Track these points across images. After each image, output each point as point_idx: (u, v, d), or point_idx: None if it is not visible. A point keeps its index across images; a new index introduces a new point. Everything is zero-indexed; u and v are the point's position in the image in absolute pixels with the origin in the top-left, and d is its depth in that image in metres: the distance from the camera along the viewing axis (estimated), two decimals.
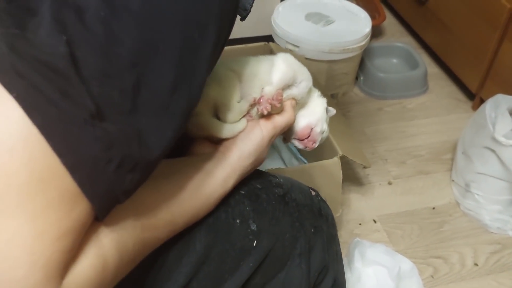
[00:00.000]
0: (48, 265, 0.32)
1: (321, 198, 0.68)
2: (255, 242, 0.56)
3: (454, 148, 1.41)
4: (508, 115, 1.16)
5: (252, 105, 0.59)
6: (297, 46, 1.44)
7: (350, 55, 1.45)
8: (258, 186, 0.61)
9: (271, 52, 1.32)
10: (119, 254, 0.39)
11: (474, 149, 1.21)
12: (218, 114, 0.59)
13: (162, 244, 0.48)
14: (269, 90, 0.59)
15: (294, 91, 0.62)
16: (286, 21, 1.48)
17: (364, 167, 1.35)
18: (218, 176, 0.53)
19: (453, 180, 1.32)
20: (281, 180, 0.65)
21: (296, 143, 0.66)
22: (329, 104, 0.70)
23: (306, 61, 1.46)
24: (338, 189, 1.08)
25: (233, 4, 0.45)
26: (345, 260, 1.08)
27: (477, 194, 1.23)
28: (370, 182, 1.33)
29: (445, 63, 1.68)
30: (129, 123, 0.36)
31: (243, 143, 0.56)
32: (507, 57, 1.38)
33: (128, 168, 0.36)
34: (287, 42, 1.45)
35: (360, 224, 1.22)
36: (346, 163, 1.34)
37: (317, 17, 1.53)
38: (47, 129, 0.32)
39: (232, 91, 0.58)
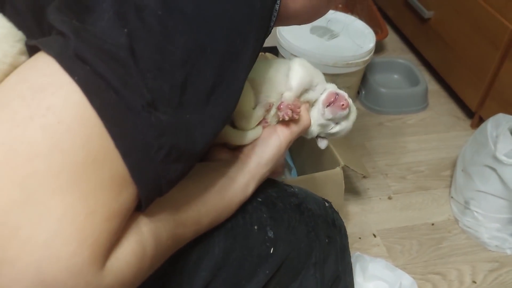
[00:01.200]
0: (96, 244, 0.33)
1: (334, 210, 0.69)
2: (272, 249, 0.56)
3: (453, 165, 1.42)
4: (509, 134, 1.17)
5: (268, 111, 0.59)
6: None
7: (354, 69, 1.46)
8: (274, 194, 0.61)
9: None
10: (156, 245, 0.40)
11: (475, 167, 1.22)
12: (233, 121, 0.59)
13: (182, 247, 0.48)
14: (289, 95, 0.59)
15: (311, 95, 0.63)
16: (291, 33, 1.50)
17: (364, 177, 1.36)
18: (239, 182, 0.54)
19: (452, 197, 1.33)
20: (296, 189, 0.65)
21: (328, 113, 0.64)
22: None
23: None
24: (341, 199, 1.08)
25: (267, 21, 0.47)
26: None
27: (476, 212, 1.23)
28: (370, 196, 1.34)
29: (446, 81, 1.70)
30: (177, 116, 0.38)
31: (262, 150, 0.57)
32: (508, 76, 1.40)
33: (174, 158, 0.37)
34: (291, 54, 1.46)
35: (359, 238, 1.23)
36: (346, 177, 1.35)
37: (322, 31, 1.54)
38: (105, 112, 0.34)
39: (245, 98, 0.58)
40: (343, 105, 0.64)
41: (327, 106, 0.64)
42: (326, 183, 1.03)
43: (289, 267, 0.58)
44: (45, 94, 0.33)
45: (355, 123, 1.64)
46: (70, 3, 0.38)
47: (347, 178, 1.36)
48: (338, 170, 1.04)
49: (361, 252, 1.11)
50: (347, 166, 1.06)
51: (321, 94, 0.66)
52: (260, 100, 0.59)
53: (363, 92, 1.65)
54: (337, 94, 0.65)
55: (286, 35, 1.48)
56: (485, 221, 1.22)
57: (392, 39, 1.97)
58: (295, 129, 0.60)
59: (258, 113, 0.58)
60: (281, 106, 0.58)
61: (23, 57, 0.40)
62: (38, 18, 0.42)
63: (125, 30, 0.36)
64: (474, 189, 1.22)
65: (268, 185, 0.61)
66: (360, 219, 1.27)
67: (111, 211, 0.34)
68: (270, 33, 0.53)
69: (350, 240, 1.20)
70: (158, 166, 0.36)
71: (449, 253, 1.21)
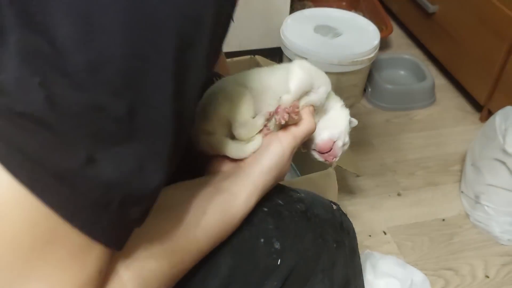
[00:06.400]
0: None
1: (342, 212, 0.67)
2: (279, 260, 0.54)
3: (462, 160, 1.41)
4: None
5: (269, 119, 0.57)
6: (306, 58, 1.44)
7: (359, 67, 1.46)
8: (280, 202, 0.59)
9: (258, 66, 1.32)
10: (145, 286, 0.38)
11: (484, 161, 1.21)
12: (233, 132, 0.57)
13: None
14: (287, 98, 0.57)
15: (313, 97, 0.60)
16: (295, 33, 1.50)
17: (357, 176, 1.35)
18: (241, 195, 0.52)
19: (462, 192, 1.32)
20: (303, 194, 0.63)
21: (316, 155, 0.63)
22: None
23: None
24: (335, 199, 1.07)
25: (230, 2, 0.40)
26: None
27: (487, 206, 1.22)
28: (379, 193, 1.33)
29: (453, 75, 1.69)
30: (126, 154, 0.33)
31: (264, 158, 0.54)
32: None
33: (130, 203, 0.34)
34: (295, 54, 1.46)
35: (370, 236, 1.22)
36: (354, 175, 1.35)
37: (326, 30, 1.54)
38: (36, 186, 0.30)
39: (244, 107, 0.56)
40: (333, 158, 0.62)
41: (319, 152, 0.62)
42: (320, 184, 1.02)
43: (298, 276, 0.56)
44: None
45: (363, 120, 1.64)
46: None
47: (352, 176, 1.35)
48: (330, 170, 1.03)
49: (371, 250, 1.11)
50: (339, 166, 1.06)
51: (320, 135, 0.62)
52: (260, 109, 0.57)
53: (369, 89, 1.64)
54: (333, 144, 0.62)
55: (289, 35, 1.48)
56: (496, 215, 1.21)
57: (397, 35, 1.96)
58: (298, 133, 0.57)
59: (258, 122, 0.56)
60: (278, 110, 0.56)
61: None
62: None
63: (37, 79, 0.30)
64: (484, 183, 1.21)
65: (274, 191, 0.59)
66: (370, 216, 1.27)
67: (81, 281, 0.32)
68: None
69: (360, 238, 1.20)
70: (113, 215, 0.33)
71: (461, 248, 1.21)
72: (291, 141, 0.56)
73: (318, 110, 0.62)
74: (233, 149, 0.56)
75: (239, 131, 0.56)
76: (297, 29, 1.52)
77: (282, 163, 0.55)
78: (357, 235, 1.23)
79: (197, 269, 0.49)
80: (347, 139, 0.64)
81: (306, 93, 0.59)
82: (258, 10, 1.57)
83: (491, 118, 1.23)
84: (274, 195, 0.59)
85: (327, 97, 0.63)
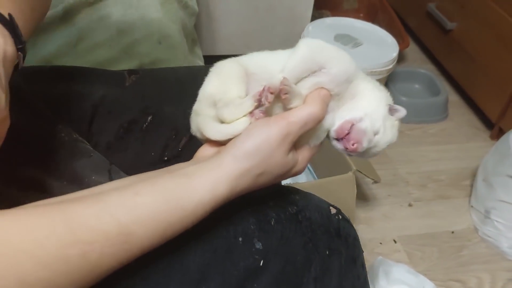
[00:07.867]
0: None
1: (342, 217, 0.60)
2: (261, 261, 0.49)
3: (473, 175, 1.44)
4: None
5: (259, 101, 0.49)
6: None
7: (377, 77, 1.49)
8: (270, 203, 0.54)
9: None
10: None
11: (497, 177, 1.23)
12: (216, 112, 0.51)
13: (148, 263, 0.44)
14: (276, 77, 0.48)
15: (322, 79, 0.50)
16: None
17: (375, 182, 1.37)
18: (201, 179, 0.44)
19: (472, 206, 1.35)
20: (297, 196, 0.58)
21: (336, 144, 0.53)
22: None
23: None
24: (352, 204, 1.09)
25: None
26: None
27: (496, 221, 1.25)
28: (391, 203, 1.36)
29: (466, 92, 1.72)
30: None
31: (240, 141, 0.47)
32: None
33: None
34: None
35: (380, 243, 1.25)
36: (365, 184, 1.37)
37: (346, 39, 1.57)
38: None
39: (231, 84, 0.50)
40: (353, 144, 0.50)
41: (336, 138, 0.52)
42: (338, 188, 1.04)
43: (286, 282, 0.51)
44: None
45: None
46: None
47: (368, 184, 1.38)
48: (350, 175, 1.05)
49: (382, 257, 1.13)
50: (358, 171, 1.08)
51: (339, 118, 0.52)
52: (252, 90, 0.51)
53: None
54: (351, 127, 0.51)
55: None
56: (506, 231, 1.23)
57: (412, 49, 1.99)
58: (293, 118, 0.47)
59: (246, 103, 0.49)
60: (263, 89, 0.47)
61: None
62: None
63: None
64: (495, 199, 1.24)
65: (264, 192, 0.53)
66: (381, 225, 1.29)
67: None
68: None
69: (371, 245, 1.23)
70: None
71: (469, 261, 1.23)
72: (282, 126, 0.47)
73: (341, 96, 0.52)
74: (212, 129, 0.49)
75: (222, 112, 0.49)
76: (317, 37, 1.54)
77: (267, 149, 0.46)
78: (368, 242, 1.25)
79: (158, 266, 0.45)
80: (378, 125, 0.52)
81: (312, 72, 0.50)
82: (281, 17, 1.60)
83: (505, 136, 1.26)
84: (263, 196, 0.54)
85: (352, 80, 0.52)
